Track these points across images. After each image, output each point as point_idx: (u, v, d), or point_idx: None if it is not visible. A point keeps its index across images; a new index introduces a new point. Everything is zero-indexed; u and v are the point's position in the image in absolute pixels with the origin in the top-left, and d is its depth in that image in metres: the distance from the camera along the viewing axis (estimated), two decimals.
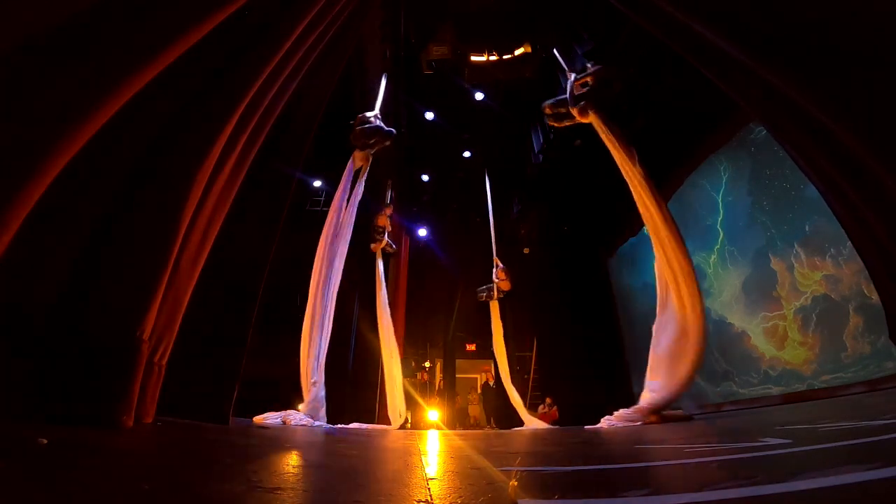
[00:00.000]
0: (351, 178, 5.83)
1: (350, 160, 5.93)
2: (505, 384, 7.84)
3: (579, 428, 4.54)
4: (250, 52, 2.60)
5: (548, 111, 5.81)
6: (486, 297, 8.26)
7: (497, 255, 8.49)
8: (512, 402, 7.63)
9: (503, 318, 8.18)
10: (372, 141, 5.99)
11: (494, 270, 8.28)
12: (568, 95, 5.60)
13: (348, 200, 5.74)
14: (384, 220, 7.39)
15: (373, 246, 7.29)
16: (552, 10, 7.74)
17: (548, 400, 9.41)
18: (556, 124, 6.01)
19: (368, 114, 6.18)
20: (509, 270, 8.29)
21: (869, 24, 2.05)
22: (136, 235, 1.97)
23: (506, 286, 8.15)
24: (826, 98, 2.27)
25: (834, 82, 2.19)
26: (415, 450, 2.46)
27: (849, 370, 4.96)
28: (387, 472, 1.60)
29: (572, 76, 5.68)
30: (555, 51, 6.69)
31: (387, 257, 7.59)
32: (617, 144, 5.30)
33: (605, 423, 4.46)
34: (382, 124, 6.12)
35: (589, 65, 5.72)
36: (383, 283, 6.87)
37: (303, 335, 5.24)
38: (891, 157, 2.09)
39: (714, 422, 3.93)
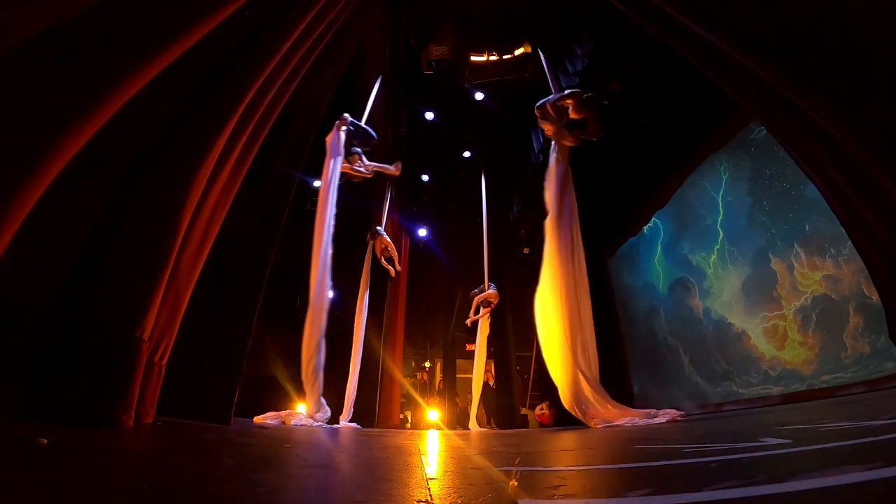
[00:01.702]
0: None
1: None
2: (473, 391, 7.94)
3: (590, 427, 4.54)
4: (250, 51, 2.60)
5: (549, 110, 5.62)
6: (480, 300, 8.16)
7: (490, 278, 8.17)
8: (472, 407, 7.72)
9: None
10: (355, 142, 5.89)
11: (485, 291, 8.04)
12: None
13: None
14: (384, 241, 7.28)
15: (368, 237, 7.21)
16: (552, 10, 7.74)
17: (545, 403, 9.44)
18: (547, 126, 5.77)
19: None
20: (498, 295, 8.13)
21: (870, 24, 2.04)
22: (137, 235, 1.97)
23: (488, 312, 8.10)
24: (826, 98, 2.27)
25: (834, 82, 2.19)
26: (415, 450, 2.46)
27: (849, 370, 4.96)
28: (386, 472, 1.60)
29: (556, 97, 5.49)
30: (540, 54, 6.58)
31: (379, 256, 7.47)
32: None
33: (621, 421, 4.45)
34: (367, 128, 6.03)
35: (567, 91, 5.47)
36: (368, 278, 6.82)
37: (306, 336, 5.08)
38: (891, 158, 2.08)
39: (714, 422, 3.93)
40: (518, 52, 8.88)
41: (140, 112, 1.89)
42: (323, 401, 4.85)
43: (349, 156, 5.83)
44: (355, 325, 6.58)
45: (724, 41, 2.72)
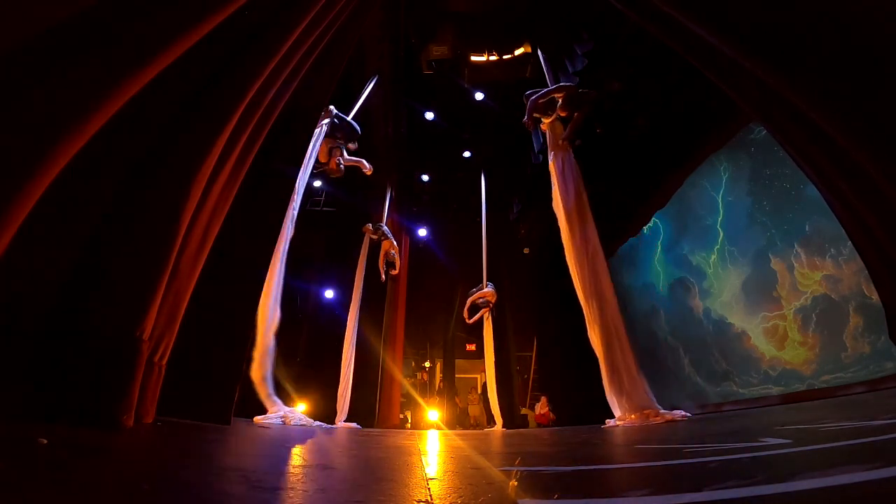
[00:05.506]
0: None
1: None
2: (490, 394, 7.84)
3: (591, 426, 4.54)
4: (250, 51, 2.60)
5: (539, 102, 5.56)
6: (475, 299, 8.14)
7: (489, 278, 8.14)
8: (494, 409, 7.63)
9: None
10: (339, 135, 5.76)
11: (483, 290, 8.02)
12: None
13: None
14: (387, 245, 7.17)
15: (364, 228, 7.07)
16: (552, 10, 7.74)
17: (543, 399, 9.44)
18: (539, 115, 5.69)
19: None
20: (497, 293, 8.09)
21: (870, 25, 2.04)
22: (137, 235, 1.97)
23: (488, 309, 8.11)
24: (827, 98, 2.27)
25: (835, 84, 2.19)
26: (415, 450, 2.46)
27: (849, 370, 4.96)
28: (386, 472, 1.60)
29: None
30: (539, 52, 6.58)
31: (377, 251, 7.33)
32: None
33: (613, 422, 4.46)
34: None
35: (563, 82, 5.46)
36: (363, 272, 6.74)
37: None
38: (891, 159, 2.08)
39: (714, 422, 3.93)
40: (518, 52, 8.89)
41: (140, 112, 1.89)
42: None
43: (329, 145, 5.66)
44: (348, 320, 6.53)
45: (725, 42, 2.72)
